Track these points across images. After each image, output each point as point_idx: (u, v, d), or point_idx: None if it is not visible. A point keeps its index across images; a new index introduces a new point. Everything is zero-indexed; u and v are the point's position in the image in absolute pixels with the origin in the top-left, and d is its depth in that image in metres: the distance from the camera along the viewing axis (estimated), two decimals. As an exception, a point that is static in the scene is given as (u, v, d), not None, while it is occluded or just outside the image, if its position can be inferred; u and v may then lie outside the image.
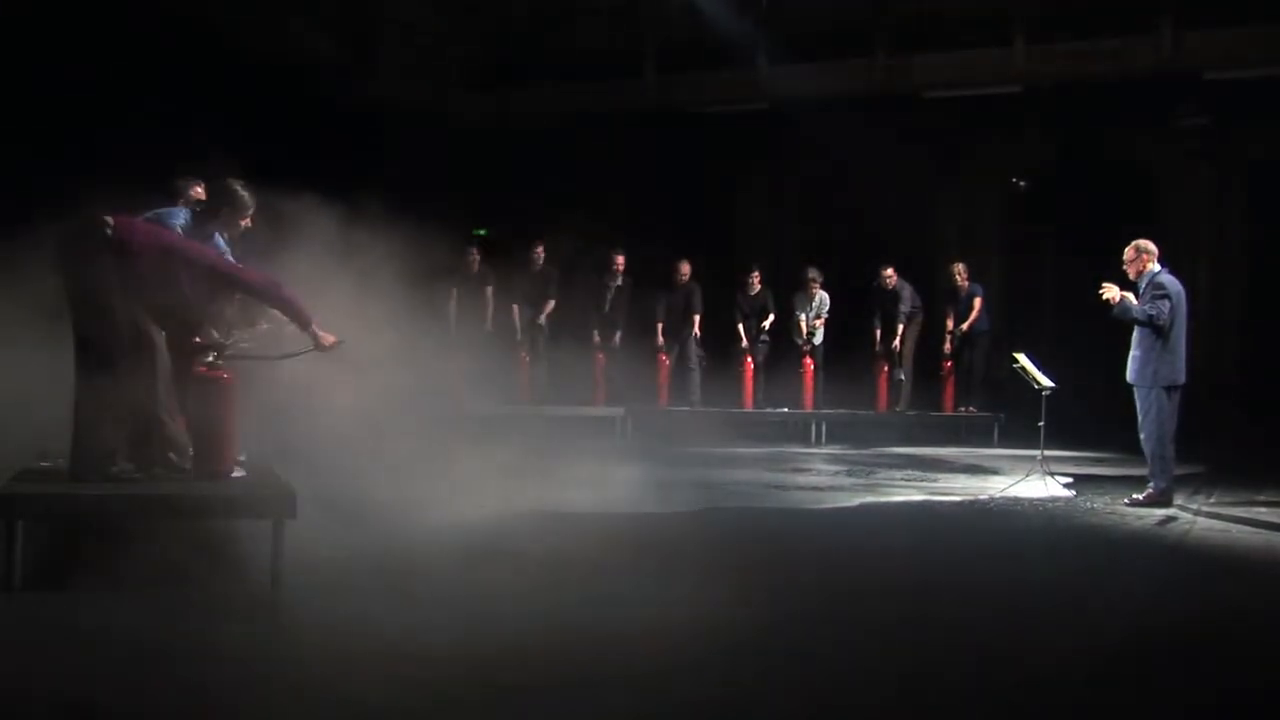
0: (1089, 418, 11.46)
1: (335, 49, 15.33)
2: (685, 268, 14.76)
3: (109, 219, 5.51)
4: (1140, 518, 8.07)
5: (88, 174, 5.67)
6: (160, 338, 6.08)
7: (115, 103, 11.91)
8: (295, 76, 13.94)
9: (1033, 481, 9.33)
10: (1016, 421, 12.66)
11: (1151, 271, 8.61)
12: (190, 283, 5.71)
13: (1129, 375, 8.63)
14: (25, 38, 11.41)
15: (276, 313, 6.10)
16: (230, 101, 12.66)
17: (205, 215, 6.18)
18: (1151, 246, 8.69)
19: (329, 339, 6.00)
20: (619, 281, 14.66)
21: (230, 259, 6.09)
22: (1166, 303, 8.42)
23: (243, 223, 6.14)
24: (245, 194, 6.09)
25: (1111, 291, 8.52)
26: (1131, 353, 8.60)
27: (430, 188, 14.39)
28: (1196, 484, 9.79)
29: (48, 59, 11.57)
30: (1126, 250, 8.75)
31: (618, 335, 14.54)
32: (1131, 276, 8.72)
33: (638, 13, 16.71)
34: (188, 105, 12.31)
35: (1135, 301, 8.53)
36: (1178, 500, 8.67)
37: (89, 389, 5.43)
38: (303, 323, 5.93)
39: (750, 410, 14.63)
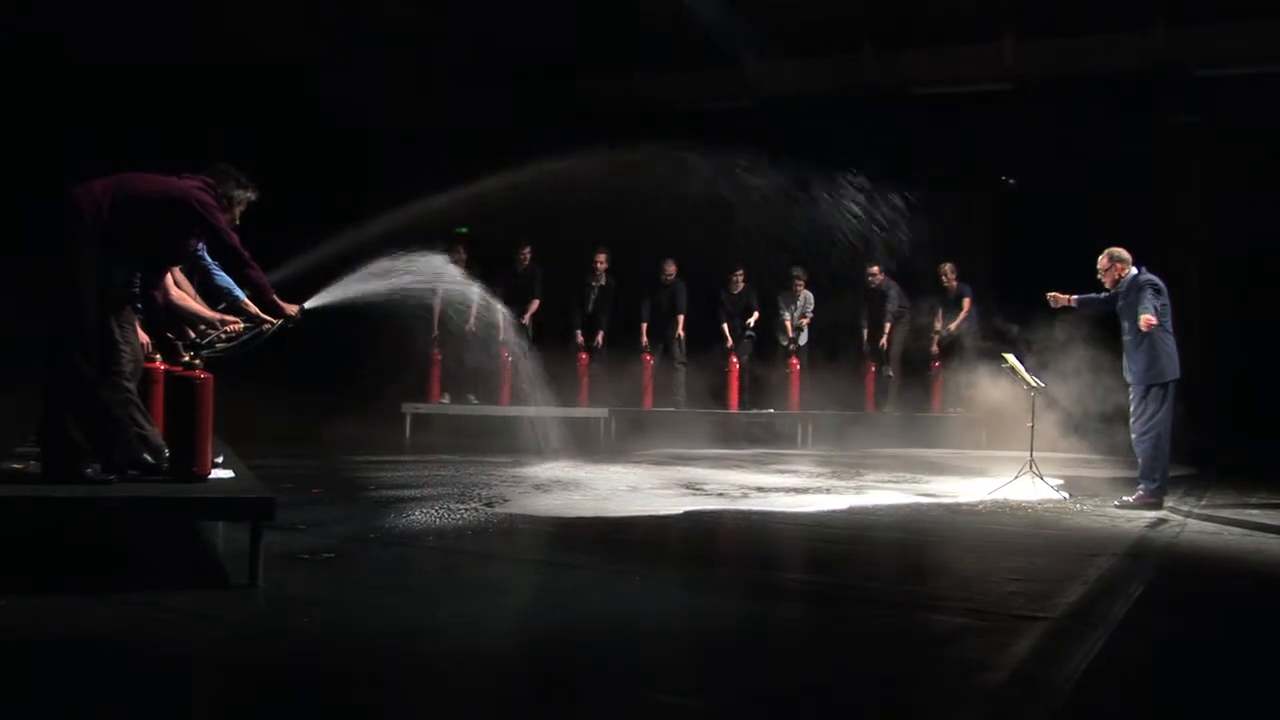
0: (1081, 418, 11.41)
1: (327, 49, 15.21)
2: (670, 267, 14.67)
3: (73, 191, 5.39)
4: (1130, 520, 7.99)
5: (86, 171, 5.54)
6: (135, 338, 5.97)
7: (114, 102, 11.83)
8: (290, 76, 13.86)
9: (1022, 483, 9.25)
10: (1005, 423, 12.60)
11: (1131, 275, 8.59)
12: (174, 224, 5.65)
13: (1126, 374, 8.59)
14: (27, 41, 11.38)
15: (247, 304, 6.13)
16: (226, 102, 12.60)
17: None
18: (1125, 254, 8.67)
19: (292, 309, 6.10)
20: (602, 281, 14.56)
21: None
22: (1162, 298, 8.42)
23: (239, 205, 5.99)
24: (234, 183, 5.92)
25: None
26: (1127, 352, 8.56)
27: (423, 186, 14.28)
28: (1188, 486, 9.75)
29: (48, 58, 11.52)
30: (1100, 259, 8.76)
31: (600, 335, 14.45)
32: (1108, 285, 8.70)
33: (626, 10, 16.58)
34: (184, 104, 12.24)
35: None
36: (1169, 502, 8.60)
37: (60, 390, 5.30)
38: (266, 300, 5.98)
39: (735, 411, 14.55)
